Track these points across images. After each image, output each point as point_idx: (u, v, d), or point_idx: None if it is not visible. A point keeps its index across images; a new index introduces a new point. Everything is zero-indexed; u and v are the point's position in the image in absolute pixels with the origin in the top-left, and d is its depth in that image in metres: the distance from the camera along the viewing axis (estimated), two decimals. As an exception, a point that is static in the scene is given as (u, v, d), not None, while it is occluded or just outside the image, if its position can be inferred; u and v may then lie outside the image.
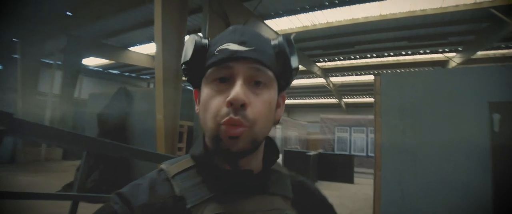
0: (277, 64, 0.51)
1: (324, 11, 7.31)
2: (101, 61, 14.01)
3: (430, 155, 3.43)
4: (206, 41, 0.51)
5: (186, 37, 0.65)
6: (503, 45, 8.94)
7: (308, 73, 13.35)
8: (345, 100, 21.17)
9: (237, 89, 0.45)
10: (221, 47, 0.48)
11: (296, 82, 16.20)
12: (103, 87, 15.16)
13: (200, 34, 0.62)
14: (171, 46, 4.81)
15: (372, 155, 13.11)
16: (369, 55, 11.20)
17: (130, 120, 6.39)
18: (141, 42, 11.14)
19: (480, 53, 9.28)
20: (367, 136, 12.80)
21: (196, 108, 0.54)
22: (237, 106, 0.45)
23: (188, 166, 0.53)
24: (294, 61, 0.52)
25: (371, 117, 13.84)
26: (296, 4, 7.14)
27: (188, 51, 0.51)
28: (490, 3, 6.41)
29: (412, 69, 10.74)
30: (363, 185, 8.87)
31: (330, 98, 20.94)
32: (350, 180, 9.50)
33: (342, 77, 14.98)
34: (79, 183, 2.34)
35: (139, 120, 6.29)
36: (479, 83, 3.32)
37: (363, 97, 20.07)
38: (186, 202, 0.47)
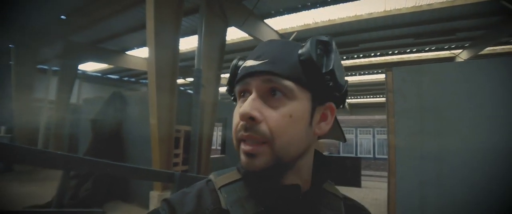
0: (304, 72, 0.46)
1: (326, 8, 7.02)
2: (100, 66, 13.81)
3: (453, 159, 3.04)
4: (242, 62, 0.54)
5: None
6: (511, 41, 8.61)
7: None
8: (349, 101, 20.83)
9: (246, 104, 0.44)
10: (243, 65, 0.49)
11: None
12: (102, 93, 14.98)
13: (242, 57, 0.58)
14: (164, 47, 4.53)
15: (380, 156, 12.80)
16: (373, 54, 10.88)
17: (125, 125, 6.10)
18: (139, 46, 10.91)
19: (487, 49, 8.96)
20: (373, 137, 12.45)
21: None
22: (246, 120, 0.44)
23: (235, 179, 0.52)
24: (327, 65, 0.46)
25: (377, 117, 13.49)
26: (297, 1, 6.86)
27: (230, 74, 0.55)
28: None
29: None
30: (371, 189, 8.52)
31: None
32: (357, 184, 9.15)
33: (345, 77, 14.63)
34: (56, 201, 2.17)
35: (135, 125, 6.00)
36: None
37: (368, 98, 19.71)
38: None
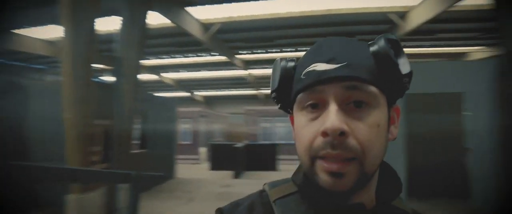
0: (380, 75, 0.42)
1: (250, 3, 7.25)
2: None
3: None
4: (292, 64, 0.47)
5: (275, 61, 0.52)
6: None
7: (229, 65, 13.27)
8: (266, 92, 21.98)
9: (332, 117, 0.38)
10: (308, 69, 0.42)
11: (216, 73, 15.95)
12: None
13: (288, 58, 0.50)
14: (81, 30, 4.00)
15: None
16: (285, 50, 11.71)
17: (27, 121, 5.16)
18: (33, 24, 9.15)
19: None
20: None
21: (293, 135, 0.48)
22: (335, 136, 0.38)
23: (290, 191, 0.48)
24: (405, 66, 0.42)
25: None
26: (222, -7, 6.88)
27: (275, 78, 0.48)
28: (389, 8, 7.44)
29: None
30: (289, 171, 9.35)
31: (251, 90, 21.45)
32: (274, 168, 9.94)
33: (262, 69, 15.40)
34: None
35: (41, 121, 5.13)
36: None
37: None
38: None
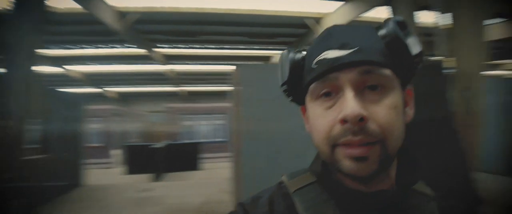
0: (391, 57, 0.42)
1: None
2: None
3: (290, 138, 3.90)
4: (301, 54, 0.47)
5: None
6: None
7: (148, 59, 12.37)
8: (188, 88, 21.21)
9: (350, 103, 0.38)
10: (319, 58, 0.42)
11: (133, 68, 14.66)
12: None
13: (295, 49, 0.49)
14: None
15: (220, 140, 14.03)
16: (209, 47, 11.55)
17: None
18: None
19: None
20: (214, 123, 13.47)
21: (306, 126, 0.49)
22: (355, 122, 0.38)
23: (309, 182, 0.48)
24: (415, 47, 0.42)
25: (218, 105, 14.62)
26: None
27: (284, 70, 0.48)
28: (306, 14, 8.07)
29: (249, 63, 12.06)
30: (213, 170, 9.28)
31: (171, 86, 20.43)
32: (194, 167, 9.70)
33: (184, 65, 14.83)
34: None
35: None
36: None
37: (207, 86, 20.73)
38: None
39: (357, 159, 0.39)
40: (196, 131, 14.25)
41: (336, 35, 0.42)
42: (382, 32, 0.42)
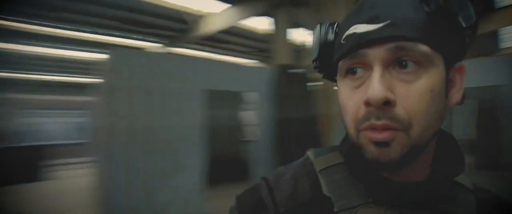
0: (434, 30, 0.36)
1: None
2: None
3: (158, 138, 3.53)
4: (333, 28, 0.44)
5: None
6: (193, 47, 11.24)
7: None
8: (42, 78, 16.64)
9: (374, 84, 0.35)
10: (348, 32, 0.38)
11: None
12: None
13: (328, 22, 0.42)
14: None
15: (77, 141, 11.56)
16: (68, 27, 9.37)
17: None
18: None
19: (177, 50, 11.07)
20: (70, 120, 11.12)
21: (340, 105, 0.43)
22: (378, 106, 0.35)
23: (337, 162, 0.45)
24: (466, 18, 0.35)
25: (75, 98, 12.16)
26: None
27: (315, 45, 0.45)
28: (187, 8, 7.79)
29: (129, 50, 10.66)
30: (68, 179, 7.62)
31: (9, 72, 15.62)
32: (35, 178, 7.63)
33: (27, 46, 11.39)
34: None
35: None
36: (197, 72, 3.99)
37: (58, 76, 16.83)
38: (334, 205, 0.40)
39: (379, 144, 0.36)
40: (43, 130, 11.49)
41: (368, 6, 0.38)
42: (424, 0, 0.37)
